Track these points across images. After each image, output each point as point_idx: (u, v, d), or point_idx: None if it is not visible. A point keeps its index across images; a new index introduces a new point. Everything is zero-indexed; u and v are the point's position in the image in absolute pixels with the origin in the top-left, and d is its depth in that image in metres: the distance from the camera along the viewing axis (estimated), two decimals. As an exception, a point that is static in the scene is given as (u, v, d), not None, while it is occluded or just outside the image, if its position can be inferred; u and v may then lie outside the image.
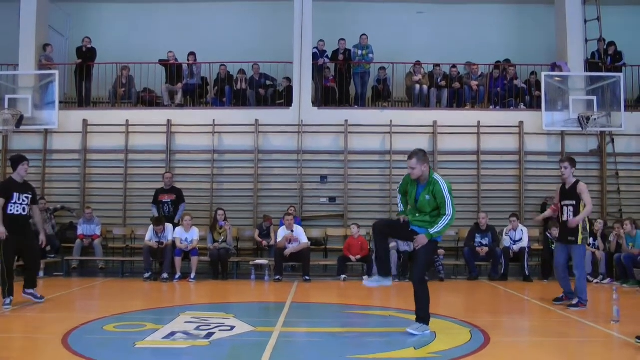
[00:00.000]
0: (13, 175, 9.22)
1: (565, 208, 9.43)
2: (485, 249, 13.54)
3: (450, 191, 7.11)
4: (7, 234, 8.78)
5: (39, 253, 9.91)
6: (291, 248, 13.12)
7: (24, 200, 9.07)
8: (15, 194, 9.00)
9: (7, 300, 8.82)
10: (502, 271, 13.36)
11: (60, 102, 16.12)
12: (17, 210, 9.01)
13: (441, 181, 7.10)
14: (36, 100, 15.79)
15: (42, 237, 9.56)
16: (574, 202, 9.30)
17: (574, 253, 9.44)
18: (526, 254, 13.38)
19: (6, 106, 15.31)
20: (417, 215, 7.27)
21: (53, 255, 14.34)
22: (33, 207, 9.37)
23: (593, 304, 9.27)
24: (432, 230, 7.07)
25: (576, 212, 9.27)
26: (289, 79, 16.53)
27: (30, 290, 9.29)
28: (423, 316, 7.19)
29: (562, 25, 16.47)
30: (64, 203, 15.67)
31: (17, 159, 9.25)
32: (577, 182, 9.40)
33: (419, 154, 7.13)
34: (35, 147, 15.97)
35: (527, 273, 13.23)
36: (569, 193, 9.40)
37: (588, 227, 9.29)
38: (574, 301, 9.34)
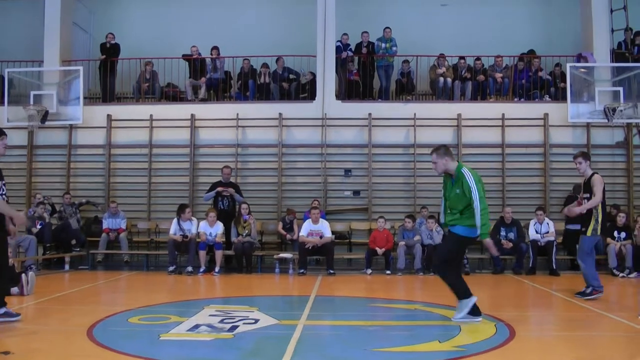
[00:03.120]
0: None
1: (583, 201, 9.44)
2: (510, 244, 13.41)
3: (478, 182, 7.15)
4: None
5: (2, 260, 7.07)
6: (313, 241, 13.09)
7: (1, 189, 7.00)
8: None
9: (1, 311, 7.04)
10: (531, 264, 13.20)
11: (85, 98, 16.30)
12: None
13: (467, 173, 7.17)
14: (61, 96, 15.99)
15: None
16: (589, 195, 9.29)
17: (580, 243, 9.45)
18: (554, 247, 13.23)
19: (31, 102, 15.57)
20: (449, 211, 7.40)
21: (78, 249, 14.54)
22: None
23: (619, 298, 9.14)
24: (479, 231, 7.14)
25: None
26: (312, 73, 16.48)
27: None
28: (462, 298, 7.28)
29: (588, 15, 16.26)
30: (89, 197, 15.86)
31: None
32: (592, 174, 9.37)
33: (439, 149, 7.36)
34: (60, 143, 16.18)
35: (554, 267, 13.06)
36: (586, 186, 9.42)
37: (600, 219, 9.17)
38: (588, 290, 9.26)
